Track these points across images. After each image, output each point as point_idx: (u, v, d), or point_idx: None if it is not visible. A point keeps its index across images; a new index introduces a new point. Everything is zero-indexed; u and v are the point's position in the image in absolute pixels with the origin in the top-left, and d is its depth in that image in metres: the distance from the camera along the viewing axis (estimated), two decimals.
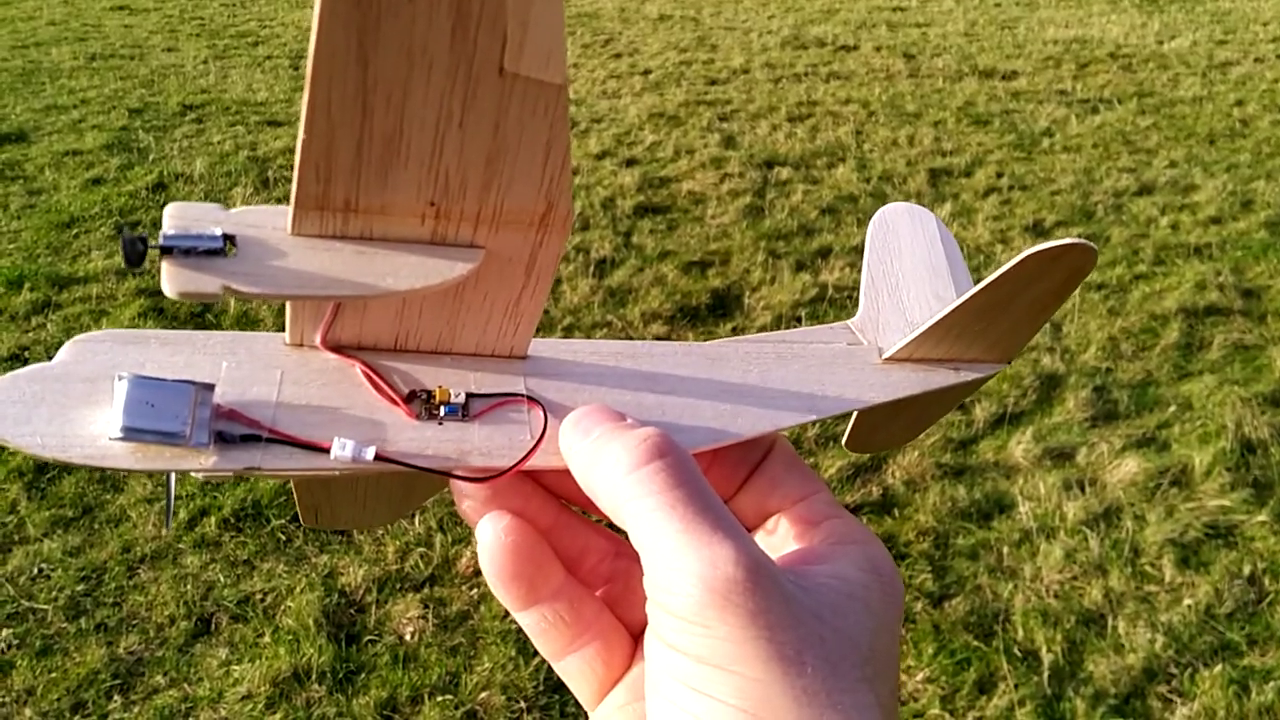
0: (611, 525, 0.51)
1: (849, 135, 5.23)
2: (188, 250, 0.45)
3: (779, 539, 0.54)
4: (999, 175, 4.72)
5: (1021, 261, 0.62)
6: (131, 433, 0.47)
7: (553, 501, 0.55)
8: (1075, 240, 0.66)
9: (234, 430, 0.49)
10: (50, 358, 0.50)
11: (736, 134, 5.23)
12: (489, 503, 0.52)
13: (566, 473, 0.51)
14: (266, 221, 0.47)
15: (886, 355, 0.70)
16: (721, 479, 0.55)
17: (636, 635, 0.54)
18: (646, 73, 6.40)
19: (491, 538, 0.51)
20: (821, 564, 0.48)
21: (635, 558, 0.51)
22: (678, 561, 0.42)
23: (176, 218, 0.46)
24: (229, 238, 0.46)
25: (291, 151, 4.73)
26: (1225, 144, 5.21)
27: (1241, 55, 6.92)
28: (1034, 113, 5.67)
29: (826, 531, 0.52)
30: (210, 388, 0.49)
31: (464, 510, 0.53)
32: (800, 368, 0.66)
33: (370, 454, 0.50)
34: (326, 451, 0.50)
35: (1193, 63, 6.74)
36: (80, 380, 0.50)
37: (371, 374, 0.54)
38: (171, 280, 0.44)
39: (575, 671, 0.53)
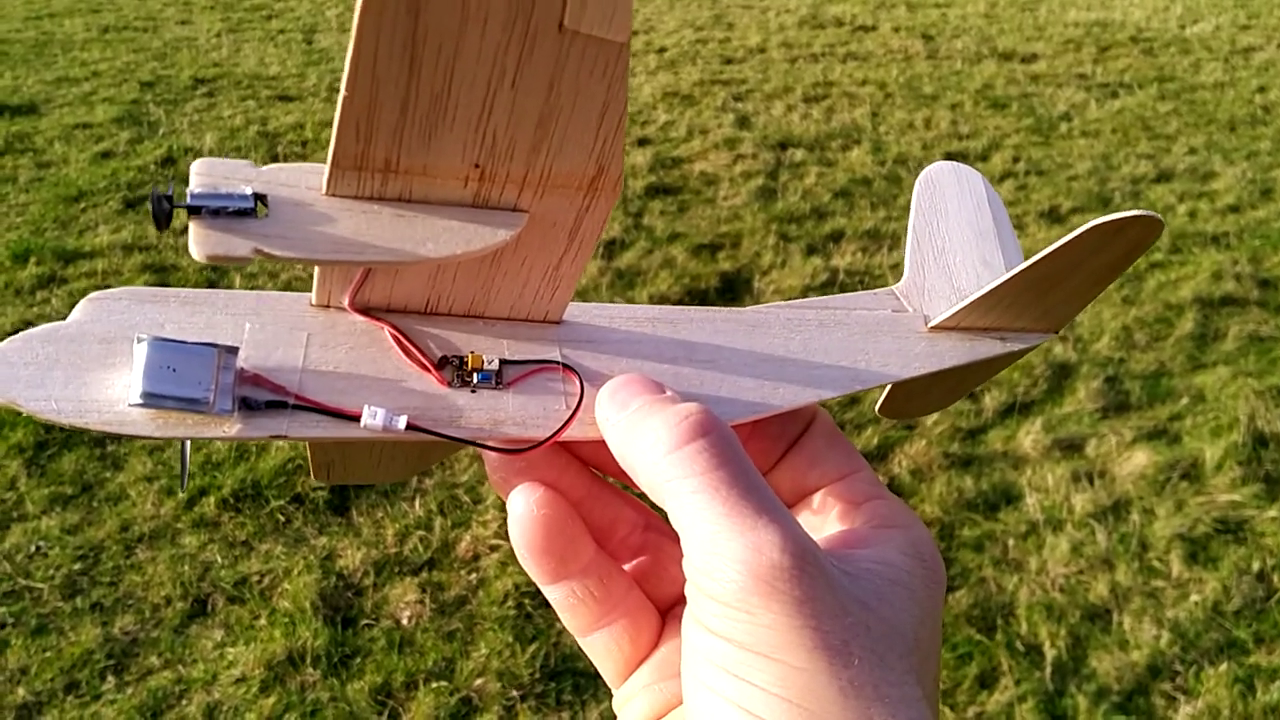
0: (643, 496, 0.49)
1: (865, 117, 5.18)
2: (217, 210, 0.43)
3: (820, 519, 0.53)
4: (1016, 160, 4.67)
5: (1084, 233, 0.60)
6: (152, 399, 0.45)
7: (585, 472, 0.53)
8: (1142, 212, 0.63)
9: (259, 396, 0.47)
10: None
11: (751, 114, 5.18)
12: (522, 474, 0.51)
13: (602, 443, 0.49)
14: (300, 180, 0.46)
15: (933, 323, 0.68)
16: (759, 452, 0.54)
17: (664, 612, 0.53)
18: (661, 50, 6.34)
19: (524, 510, 0.50)
20: (866, 548, 0.46)
21: (665, 530, 0.53)
22: (720, 546, 0.40)
23: (204, 175, 0.44)
24: (260, 197, 0.44)
25: (302, 127, 4.71)
26: (1246, 131, 5.14)
27: (1264, 41, 6.82)
28: (1053, 96, 5.60)
29: (869, 513, 0.50)
30: (234, 351, 0.47)
31: (495, 481, 0.52)
32: (843, 335, 0.64)
33: (402, 423, 0.48)
34: (356, 419, 0.48)
35: (1215, 48, 6.65)
36: (96, 341, 0.47)
37: (402, 339, 0.52)
38: (200, 242, 0.42)
39: (602, 648, 0.52)
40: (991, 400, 2.88)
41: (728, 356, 0.58)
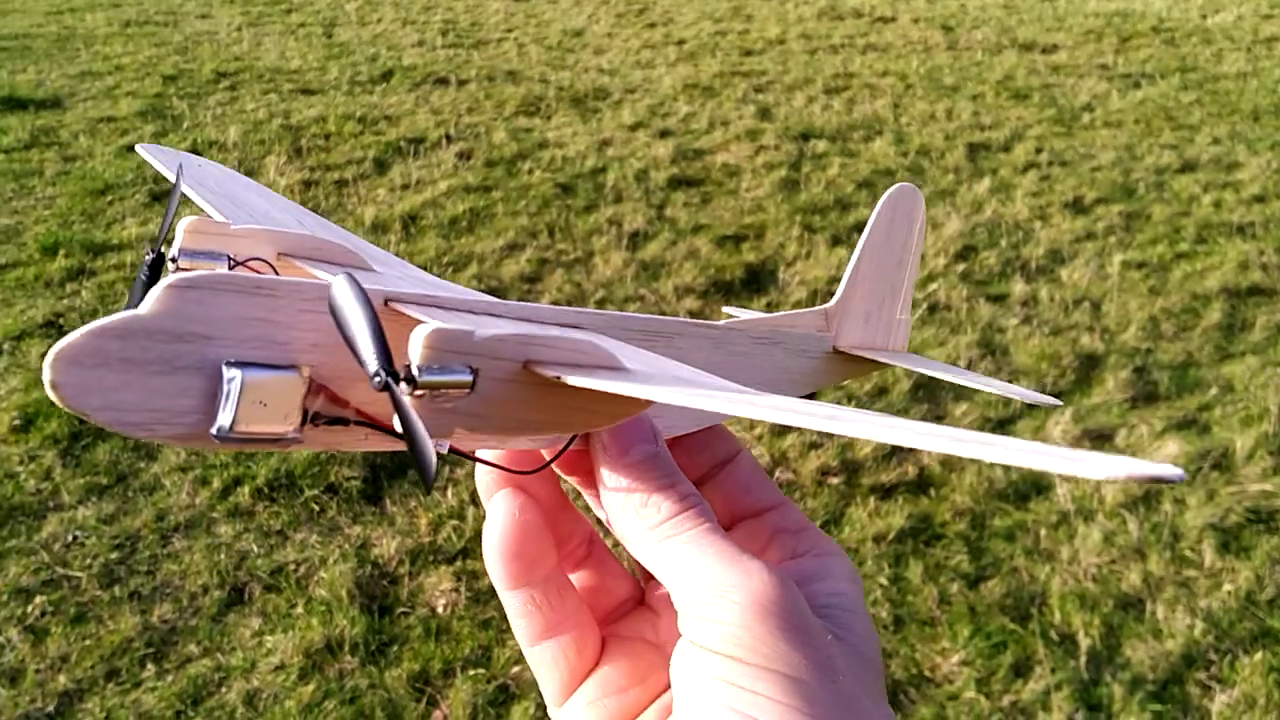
0: (587, 509, 0.55)
1: (886, 108, 5.17)
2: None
3: (768, 544, 0.57)
4: (1038, 151, 4.65)
5: (873, 221, 0.79)
6: (240, 438, 0.44)
7: (556, 483, 0.56)
8: (898, 185, 0.81)
9: (325, 412, 0.46)
10: (110, 312, 0.46)
11: (772, 106, 5.17)
12: (505, 480, 0.53)
13: (579, 453, 0.52)
14: None
15: (837, 346, 0.80)
16: (687, 466, 0.56)
17: (602, 628, 0.56)
18: (681, 43, 6.34)
19: (506, 513, 0.52)
20: (820, 581, 0.51)
21: (605, 547, 0.57)
22: (718, 580, 0.45)
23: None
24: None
25: (324, 120, 4.72)
26: (1270, 120, 5.11)
27: None
28: (1074, 87, 5.58)
29: (809, 542, 0.55)
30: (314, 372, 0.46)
31: (484, 484, 0.54)
32: (779, 354, 0.73)
33: (446, 446, 0.48)
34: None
35: (1237, 37, 6.61)
36: (173, 338, 0.43)
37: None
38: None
39: (549, 658, 0.54)
40: None
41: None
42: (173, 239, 0.60)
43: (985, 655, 2.07)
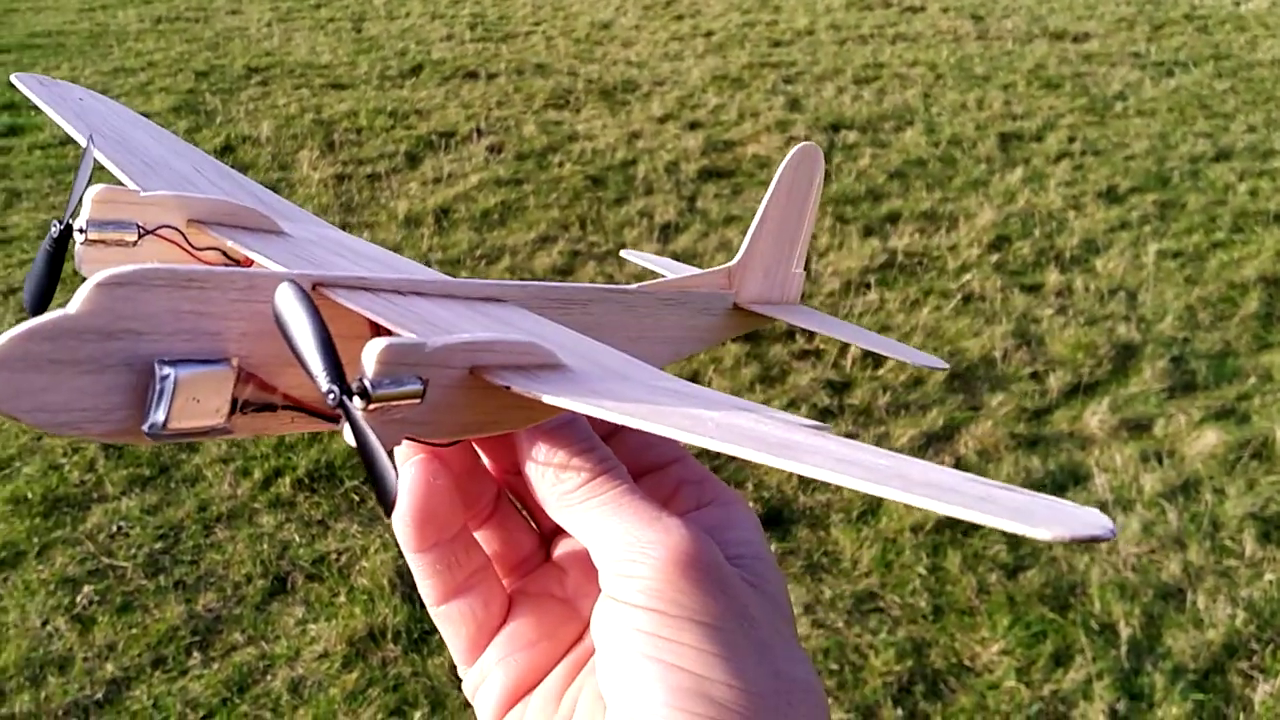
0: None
1: (916, 98, 5.15)
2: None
3: (669, 496, 0.58)
4: (1071, 140, 4.62)
5: (778, 179, 0.86)
6: (174, 434, 0.44)
7: (468, 447, 0.56)
8: (800, 144, 0.87)
9: (254, 400, 0.47)
10: None
11: (801, 97, 5.16)
12: (418, 448, 0.53)
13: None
14: None
15: (738, 302, 0.85)
16: (593, 423, 0.57)
17: (508, 585, 0.57)
18: (709, 34, 6.33)
19: (420, 479, 0.52)
20: (728, 531, 0.52)
21: (508, 505, 0.58)
22: (635, 538, 0.46)
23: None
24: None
25: (355, 114, 4.75)
26: None
27: None
28: (1107, 76, 5.54)
29: (713, 491, 0.56)
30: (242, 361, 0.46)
31: (398, 454, 0.55)
32: (683, 314, 0.77)
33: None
34: (333, 419, 0.48)
35: (1271, 24, 6.54)
36: (102, 336, 0.43)
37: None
38: None
39: (457, 616, 0.54)
40: (1056, 381, 2.87)
41: (610, 335, 0.64)
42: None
43: (1025, 645, 2.07)
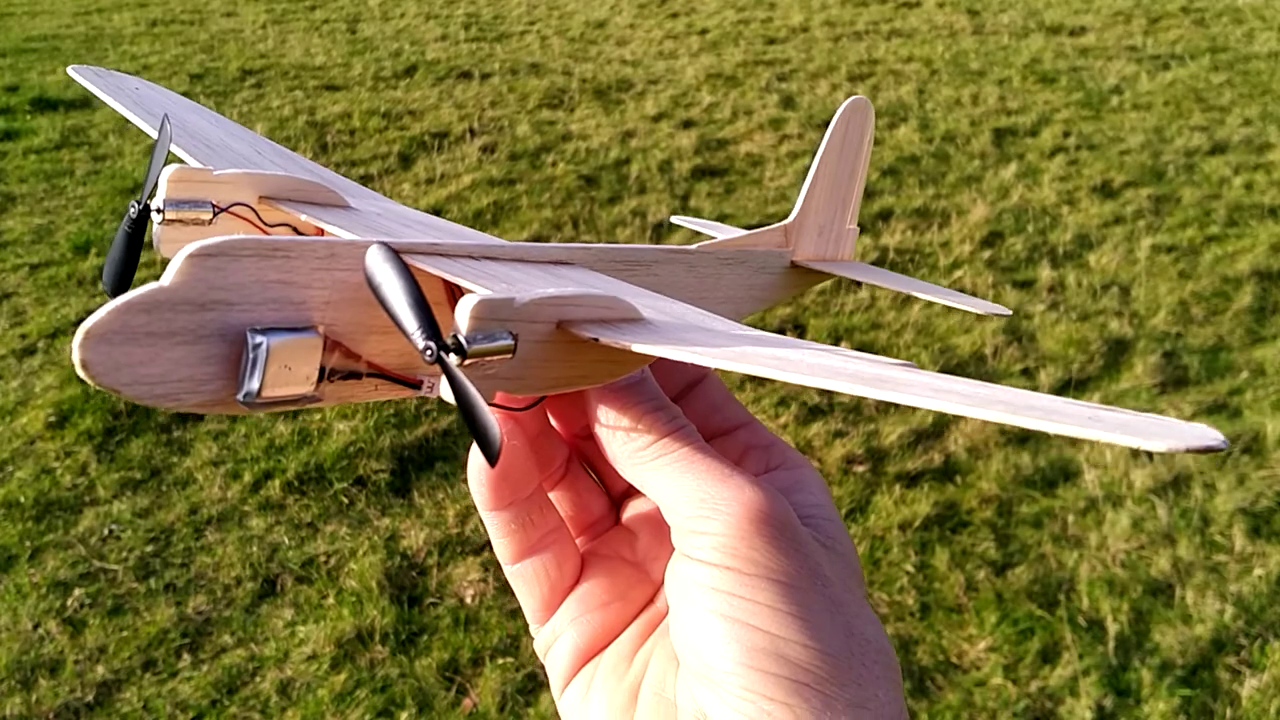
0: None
1: (911, 94, 5.14)
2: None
3: (738, 460, 0.58)
4: (1066, 134, 4.62)
5: (831, 133, 0.86)
6: (268, 402, 0.45)
7: (541, 410, 0.56)
8: (851, 98, 0.88)
9: (340, 367, 0.48)
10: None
11: (795, 94, 5.16)
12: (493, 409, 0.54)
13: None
14: None
15: (795, 260, 0.84)
16: (661, 387, 0.58)
17: (580, 547, 0.58)
18: (704, 32, 6.33)
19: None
20: (798, 493, 0.53)
21: (580, 468, 0.59)
22: (709, 494, 0.47)
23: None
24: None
25: (349, 116, 4.75)
26: None
27: None
28: (1102, 70, 5.54)
29: (780, 456, 0.56)
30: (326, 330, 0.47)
31: None
32: (743, 273, 0.77)
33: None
34: (416, 385, 0.50)
35: (1268, 17, 6.54)
36: (196, 307, 0.44)
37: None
38: None
39: (531, 575, 0.55)
40: (1047, 377, 2.87)
41: (674, 296, 0.65)
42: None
43: (1012, 642, 2.07)
